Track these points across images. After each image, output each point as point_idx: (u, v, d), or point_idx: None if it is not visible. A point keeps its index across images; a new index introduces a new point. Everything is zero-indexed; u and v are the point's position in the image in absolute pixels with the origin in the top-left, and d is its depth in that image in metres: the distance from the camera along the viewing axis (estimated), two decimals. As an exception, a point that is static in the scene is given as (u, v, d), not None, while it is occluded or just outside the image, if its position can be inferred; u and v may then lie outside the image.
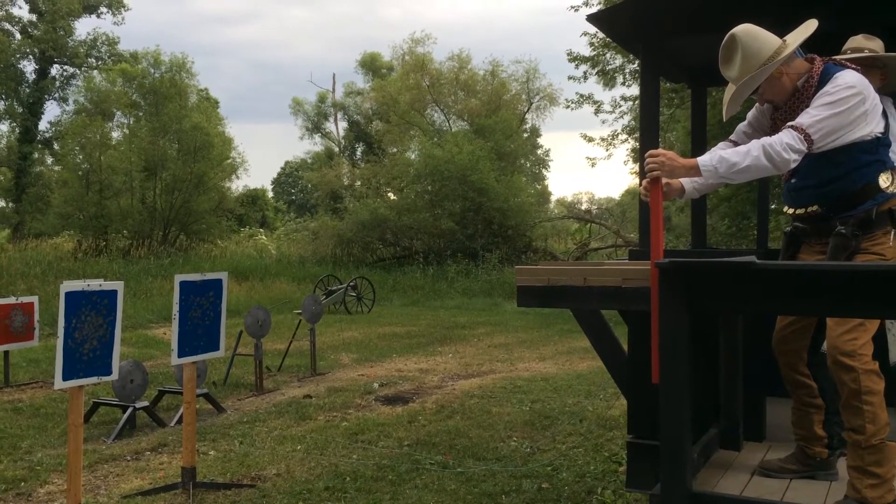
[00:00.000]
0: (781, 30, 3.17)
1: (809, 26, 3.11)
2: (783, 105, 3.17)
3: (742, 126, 3.41)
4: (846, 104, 2.92)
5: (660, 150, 3.01)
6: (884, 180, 3.03)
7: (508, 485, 4.90)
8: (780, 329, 3.36)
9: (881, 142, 3.04)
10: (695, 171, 2.95)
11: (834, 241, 3.07)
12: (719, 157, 2.93)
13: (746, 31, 3.06)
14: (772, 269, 2.77)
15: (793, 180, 3.20)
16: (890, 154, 3.16)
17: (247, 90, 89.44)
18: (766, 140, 2.92)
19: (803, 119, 2.93)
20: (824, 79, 3.03)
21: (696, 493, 2.96)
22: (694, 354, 2.85)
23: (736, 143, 3.25)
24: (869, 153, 3.00)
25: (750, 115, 3.41)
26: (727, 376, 3.79)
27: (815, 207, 3.14)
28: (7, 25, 30.57)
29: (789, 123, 2.96)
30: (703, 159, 2.96)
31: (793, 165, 2.95)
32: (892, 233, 3.04)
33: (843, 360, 2.92)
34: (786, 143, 2.88)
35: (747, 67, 3.06)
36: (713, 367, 3.80)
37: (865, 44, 3.66)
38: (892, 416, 3.17)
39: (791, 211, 3.26)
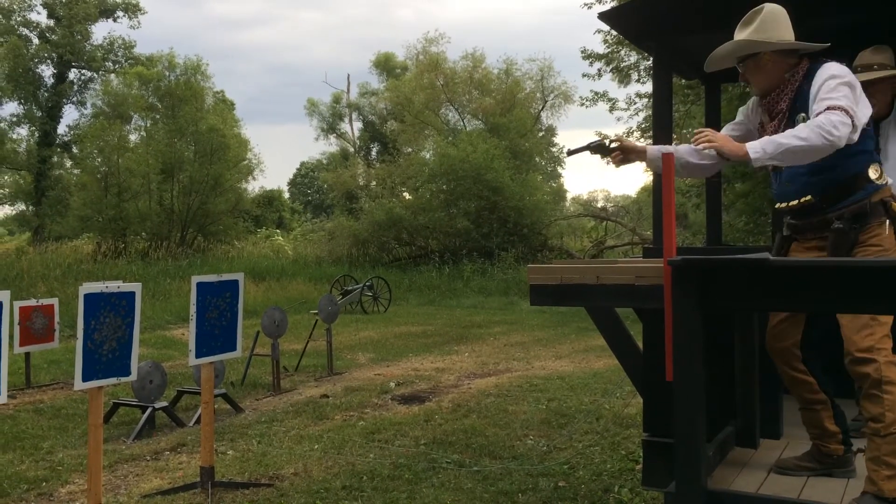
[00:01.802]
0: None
1: (821, 44, 3.18)
2: (767, 96, 3.24)
3: (728, 126, 3.46)
4: (855, 84, 3.00)
5: (707, 130, 3.15)
6: (872, 171, 3.06)
7: (525, 483, 4.90)
8: (772, 326, 3.34)
9: (867, 133, 3.07)
10: (746, 155, 2.98)
11: (833, 238, 3.09)
12: (769, 139, 2.95)
13: (775, 9, 3.16)
14: (786, 266, 2.76)
15: (782, 174, 3.22)
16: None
17: (262, 92, 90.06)
18: (812, 122, 2.92)
19: (833, 101, 2.92)
20: (811, 71, 3.09)
21: (711, 490, 2.95)
22: (708, 352, 2.85)
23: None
24: (857, 143, 3.01)
25: (739, 113, 3.45)
26: (743, 373, 3.78)
27: (808, 198, 3.15)
28: (25, 31, 30.94)
29: (826, 105, 2.93)
30: (754, 146, 2.97)
31: (843, 144, 2.91)
32: (888, 223, 3.06)
33: (864, 356, 2.93)
34: (836, 121, 2.87)
35: (752, 35, 3.14)
36: (729, 365, 3.78)
37: (873, 58, 3.64)
38: None
39: (784, 205, 3.26)
